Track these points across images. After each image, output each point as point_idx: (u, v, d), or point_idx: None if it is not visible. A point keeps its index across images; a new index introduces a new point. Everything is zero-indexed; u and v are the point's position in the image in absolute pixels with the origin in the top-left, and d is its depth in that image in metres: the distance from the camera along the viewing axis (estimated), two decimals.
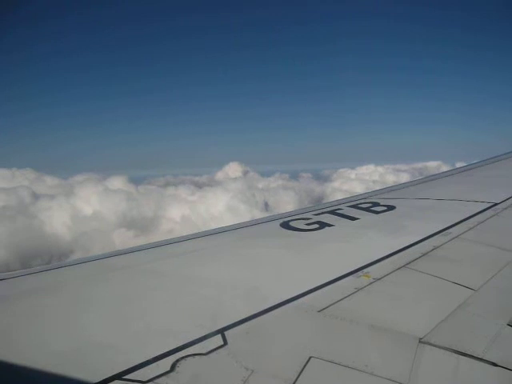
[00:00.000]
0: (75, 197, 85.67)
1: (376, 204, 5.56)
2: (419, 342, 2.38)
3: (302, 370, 2.05)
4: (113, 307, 2.66)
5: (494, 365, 2.28)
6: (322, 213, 5.10)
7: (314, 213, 5.12)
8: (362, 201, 5.85)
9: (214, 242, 4.23)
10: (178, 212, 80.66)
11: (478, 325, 2.68)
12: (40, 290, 2.90)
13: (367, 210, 5.28)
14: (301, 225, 4.56)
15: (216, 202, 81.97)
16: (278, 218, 4.93)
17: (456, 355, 2.32)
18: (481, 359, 2.31)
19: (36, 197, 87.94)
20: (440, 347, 2.36)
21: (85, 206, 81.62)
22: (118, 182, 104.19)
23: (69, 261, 3.68)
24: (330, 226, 4.51)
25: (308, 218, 4.81)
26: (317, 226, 4.51)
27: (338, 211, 5.15)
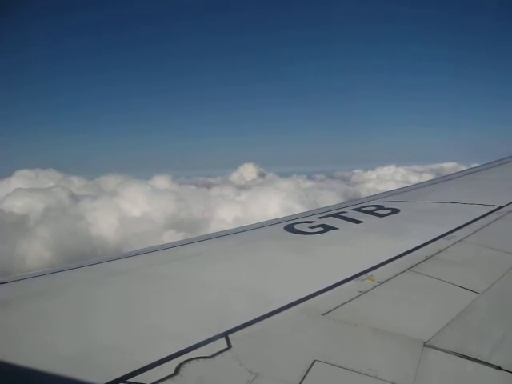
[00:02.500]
0: (118, 197, 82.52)
1: (380, 207, 5.55)
2: (424, 345, 2.38)
3: (306, 374, 2.05)
4: (117, 310, 2.66)
5: (499, 369, 2.27)
6: (326, 216, 5.09)
7: (318, 216, 5.12)
8: (366, 204, 5.84)
9: (218, 245, 4.23)
10: (227, 212, 76.78)
11: (483, 328, 2.67)
12: (45, 293, 2.91)
13: (371, 213, 5.27)
14: (305, 228, 4.56)
15: (268, 202, 77.80)
16: (282, 221, 4.93)
17: (461, 359, 2.31)
18: (486, 363, 2.30)
19: (74, 197, 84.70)
20: (445, 351, 2.35)
21: (130, 207, 78.42)
22: (162, 182, 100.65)
23: (74, 263, 3.69)
24: (334, 229, 4.51)
25: (312, 221, 4.81)
26: (321, 229, 4.50)
27: (342, 214, 5.15)
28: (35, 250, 60.23)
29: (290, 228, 4.60)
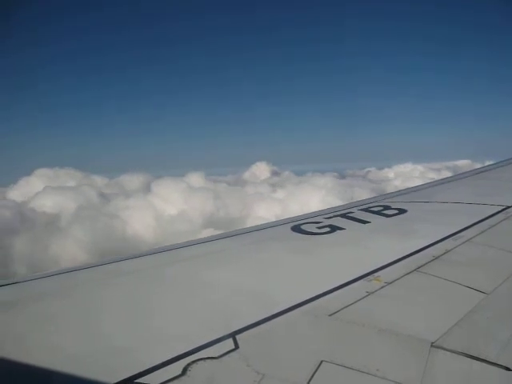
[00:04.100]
0: (152, 195, 79.96)
1: (387, 207, 5.53)
2: (431, 346, 2.37)
3: (314, 374, 2.05)
4: (124, 311, 2.68)
5: (508, 369, 2.26)
6: (334, 216, 5.09)
7: (325, 216, 5.12)
8: (373, 204, 5.83)
9: (224, 246, 4.24)
10: (266, 210, 72.22)
11: (491, 329, 2.66)
12: (53, 294, 2.94)
13: (378, 213, 5.26)
14: (312, 228, 4.56)
15: (309, 199, 73.19)
16: (289, 222, 4.93)
17: (469, 359, 2.31)
18: (494, 363, 2.29)
19: (104, 196, 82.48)
20: (452, 351, 2.35)
21: (166, 205, 75.64)
22: (197, 179, 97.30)
23: (81, 264, 3.72)
24: (341, 229, 4.50)
25: (319, 222, 4.81)
26: (328, 229, 4.50)
27: (349, 214, 5.14)
28: (68, 250, 58.44)
29: (297, 228, 4.60)
